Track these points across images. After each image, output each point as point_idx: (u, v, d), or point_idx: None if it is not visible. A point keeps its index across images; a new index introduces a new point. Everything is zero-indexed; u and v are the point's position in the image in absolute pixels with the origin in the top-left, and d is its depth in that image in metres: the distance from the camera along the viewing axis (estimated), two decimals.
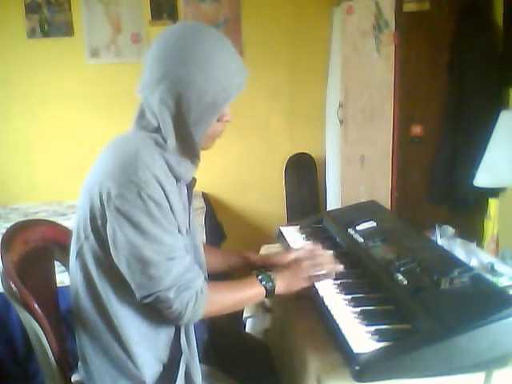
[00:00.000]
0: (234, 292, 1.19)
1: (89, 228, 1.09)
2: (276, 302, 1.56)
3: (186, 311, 1.07)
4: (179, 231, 1.12)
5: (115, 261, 1.07)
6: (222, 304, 1.16)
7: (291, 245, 1.60)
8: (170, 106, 1.07)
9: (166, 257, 1.05)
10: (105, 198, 1.04)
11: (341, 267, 1.30)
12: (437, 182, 2.49)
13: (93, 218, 1.08)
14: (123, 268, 1.06)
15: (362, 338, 1.04)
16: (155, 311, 1.10)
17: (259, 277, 1.21)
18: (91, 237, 1.09)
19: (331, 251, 1.37)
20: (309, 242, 1.59)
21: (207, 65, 1.05)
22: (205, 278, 1.16)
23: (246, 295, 1.20)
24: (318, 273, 1.27)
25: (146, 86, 1.11)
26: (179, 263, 1.07)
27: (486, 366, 1.02)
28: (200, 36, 1.07)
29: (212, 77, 1.06)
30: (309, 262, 1.29)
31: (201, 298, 1.09)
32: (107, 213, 1.04)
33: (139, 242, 1.03)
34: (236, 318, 1.58)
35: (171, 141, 1.10)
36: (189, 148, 1.13)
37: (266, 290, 1.20)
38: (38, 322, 1.13)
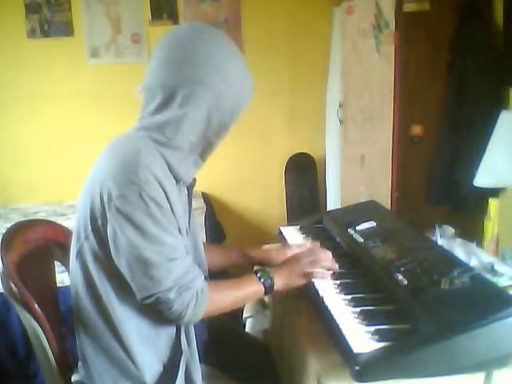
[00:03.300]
0: (233, 290, 1.19)
1: (89, 228, 1.09)
2: (276, 302, 1.56)
3: (186, 312, 1.07)
4: (180, 232, 1.11)
5: (116, 261, 1.07)
6: (222, 303, 1.17)
7: (289, 240, 1.60)
8: (198, 110, 1.08)
9: (167, 257, 1.05)
10: (105, 198, 1.04)
11: (336, 267, 1.30)
12: (437, 182, 2.49)
13: (93, 219, 1.08)
14: (124, 269, 1.06)
15: (361, 338, 1.04)
16: (156, 311, 1.10)
17: (258, 274, 1.22)
18: (91, 237, 1.09)
19: (329, 251, 1.37)
20: (308, 240, 1.59)
21: (229, 72, 1.10)
22: (205, 277, 1.16)
23: (246, 293, 1.21)
24: (315, 269, 1.27)
25: (159, 85, 1.10)
26: (180, 264, 1.07)
27: (486, 366, 1.02)
28: (218, 42, 1.11)
29: (233, 84, 1.11)
30: (306, 259, 1.30)
31: (201, 298, 1.09)
32: (108, 213, 1.04)
33: (140, 243, 1.03)
34: (236, 317, 1.58)
35: (185, 143, 1.11)
36: (203, 152, 1.16)
37: (265, 287, 1.21)
38: (38, 321, 1.13)
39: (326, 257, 1.32)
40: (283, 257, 1.41)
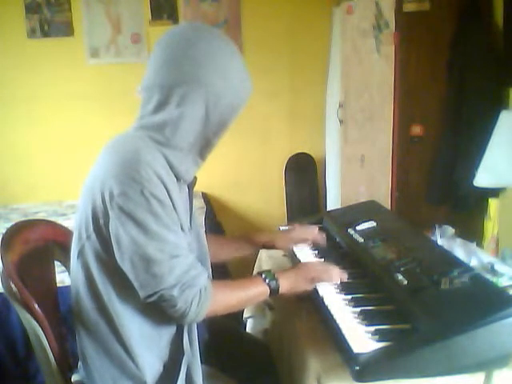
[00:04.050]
0: (237, 291, 1.19)
1: (91, 227, 1.09)
2: (276, 302, 1.56)
3: (190, 309, 1.06)
4: (182, 229, 1.11)
5: (118, 260, 1.06)
6: (226, 303, 1.16)
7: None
8: (196, 109, 1.08)
9: (170, 255, 1.05)
10: (107, 197, 1.04)
11: (345, 276, 1.30)
12: (437, 182, 2.49)
13: (95, 218, 1.07)
14: (126, 267, 1.06)
15: (362, 338, 1.04)
16: (157, 311, 1.09)
17: (263, 275, 1.21)
18: (93, 236, 1.09)
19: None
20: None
21: (228, 71, 1.10)
22: (208, 276, 1.16)
23: (250, 294, 1.20)
24: (322, 276, 1.27)
25: (157, 85, 1.10)
26: (183, 261, 1.07)
27: (486, 366, 1.02)
28: (217, 42, 1.10)
29: (233, 83, 1.10)
30: (315, 265, 1.30)
31: (205, 296, 1.08)
32: (110, 212, 1.04)
33: (142, 241, 1.03)
34: (236, 317, 1.58)
35: (184, 142, 1.10)
36: (202, 151, 1.15)
37: (270, 288, 1.20)
38: (37, 321, 1.13)
39: (335, 268, 1.31)
40: (285, 241, 1.53)
